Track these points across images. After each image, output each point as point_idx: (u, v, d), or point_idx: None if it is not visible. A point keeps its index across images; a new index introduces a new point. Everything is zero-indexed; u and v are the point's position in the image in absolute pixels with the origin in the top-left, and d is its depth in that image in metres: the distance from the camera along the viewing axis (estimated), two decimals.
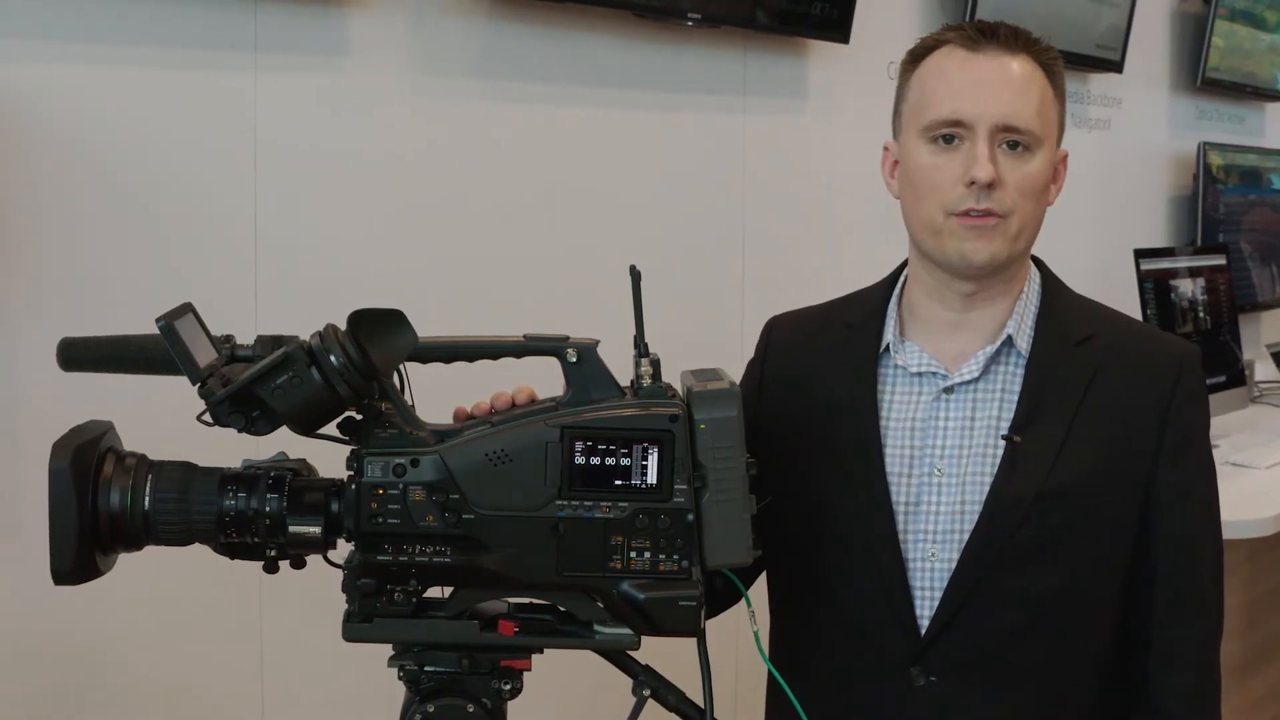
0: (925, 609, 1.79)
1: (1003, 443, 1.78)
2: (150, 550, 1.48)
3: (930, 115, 1.79)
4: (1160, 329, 1.95)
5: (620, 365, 1.52)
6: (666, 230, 3.33)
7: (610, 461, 1.46)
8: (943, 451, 1.81)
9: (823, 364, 1.90)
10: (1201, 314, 4.76)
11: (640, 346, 1.51)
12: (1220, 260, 4.90)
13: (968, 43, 1.80)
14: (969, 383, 1.82)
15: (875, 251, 3.72)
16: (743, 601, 1.63)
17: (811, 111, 3.75)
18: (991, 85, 1.77)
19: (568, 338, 1.50)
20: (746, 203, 3.56)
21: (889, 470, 1.82)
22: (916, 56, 1.85)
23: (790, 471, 1.85)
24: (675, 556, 1.47)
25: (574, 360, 1.49)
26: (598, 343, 1.51)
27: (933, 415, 1.82)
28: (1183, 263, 4.71)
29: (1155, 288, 4.45)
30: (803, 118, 3.73)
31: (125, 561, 1.49)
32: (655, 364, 1.50)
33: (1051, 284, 1.89)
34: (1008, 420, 1.79)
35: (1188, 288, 4.66)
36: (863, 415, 1.84)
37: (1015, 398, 1.80)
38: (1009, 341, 1.82)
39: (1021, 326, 1.83)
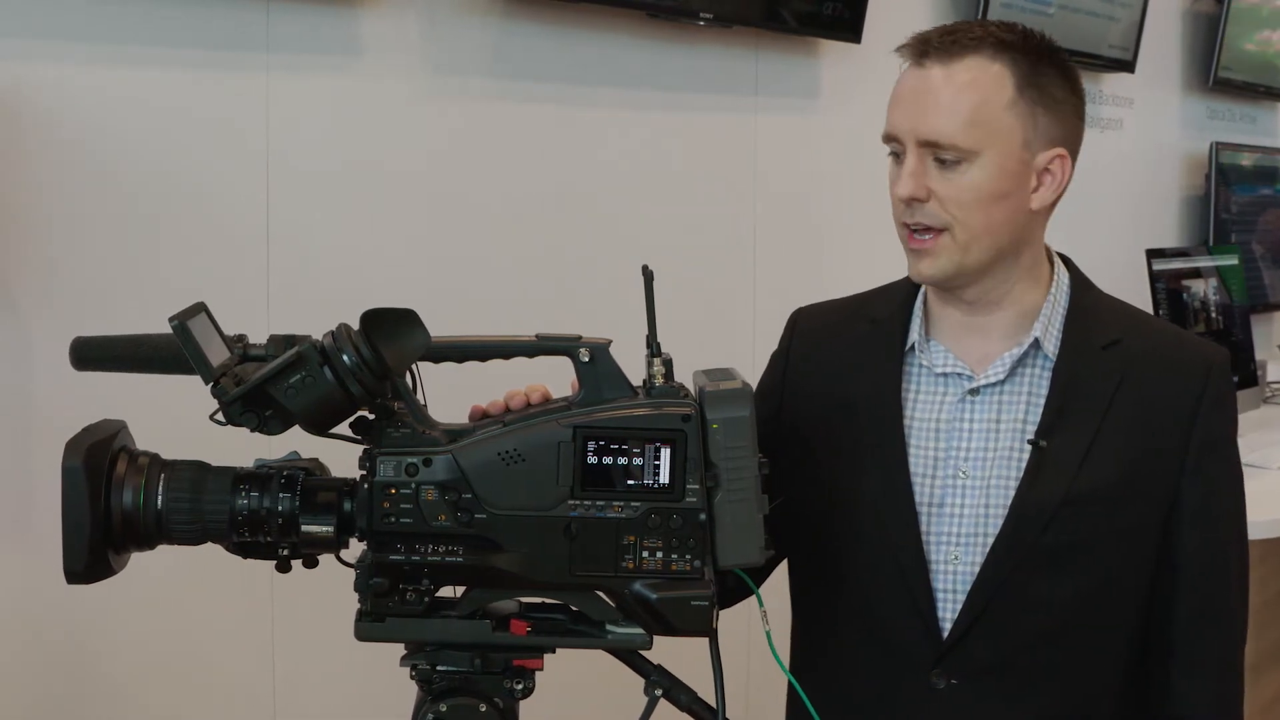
0: (948, 612, 1.78)
1: (1028, 447, 1.76)
2: (163, 549, 1.48)
3: (883, 130, 1.80)
4: (1189, 332, 1.93)
5: (632, 365, 1.52)
6: (679, 229, 3.33)
7: (622, 461, 1.46)
8: (967, 454, 1.80)
9: (847, 359, 1.88)
10: (1214, 314, 4.75)
11: (653, 346, 1.51)
12: (1233, 260, 4.88)
13: (913, 58, 1.78)
14: (994, 385, 1.81)
15: (885, 251, 3.72)
16: (755, 596, 1.62)
17: (823, 111, 3.75)
18: (915, 100, 1.75)
19: (580, 337, 1.50)
20: (758, 202, 3.56)
21: (913, 471, 1.80)
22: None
23: (813, 467, 1.84)
24: (687, 556, 1.47)
25: (587, 360, 1.49)
26: (610, 342, 1.50)
27: (957, 417, 1.81)
28: (1195, 263, 4.70)
29: (1167, 288, 4.44)
30: (814, 117, 3.73)
31: (138, 561, 1.50)
32: (667, 363, 1.50)
33: (1080, 285, 1.86)
34: (1033, 424, 1.78)
35: (1200, 288, 4.65)
36: (887, 414, 1.82)
37: (1042, 401, 1.78)
38: (1036, 344, 1.80)
39: (1049, 329, 1.81)
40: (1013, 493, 1.76)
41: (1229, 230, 5.32)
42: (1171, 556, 1.79)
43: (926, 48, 1.76)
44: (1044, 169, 1.77)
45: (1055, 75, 1.78)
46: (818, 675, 1.86)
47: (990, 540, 1.76)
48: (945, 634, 1.78)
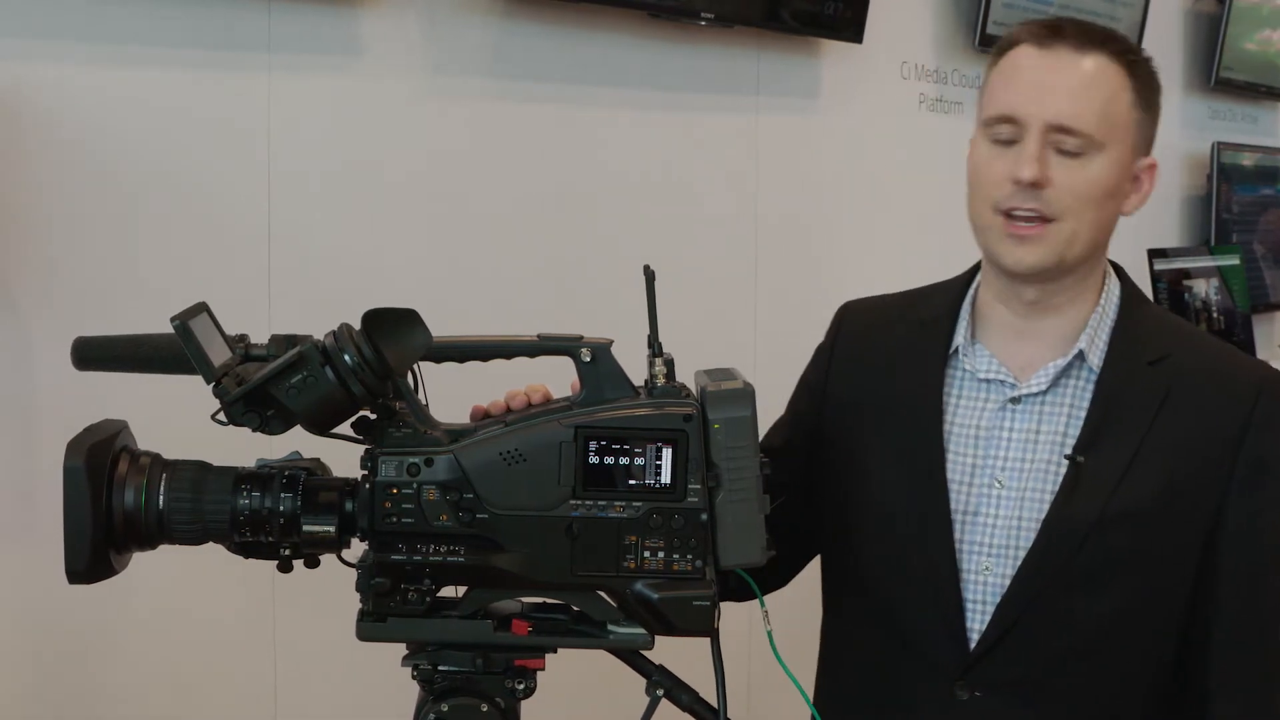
0: (976, 622, 1.75)
1: (1066, 461, 1.73)
2: (164, 549, 1.48)
3: (990, 111, 1.76)
4: (1242, 351, 1.89)
5: (634, 365, 1.52)
6: (680, 229, 3.32)
7: (624, 461, 1.46)
8: (1004, 463, 1.77)
9: (892, 359, 1.86)
10: (1215, 314, 4.75)
11: (654, 346, 1.51)
12: (1234, 260, 4.88)
13: (1037, 40, 1.75)
14: (1036, 395, 1.77)
15: (887, 250, 3.73)
16: (757, 591, 1.61)
17: (824, 111, 3.74)
18: (1049, 84, 1.72)
19: (581, 337, 1.50)
20: (760, 202, 3.55)
21: (949, 477, 1.78)
22: (998, 52, 1.81)
23: (851, 466, 1.83)
24: (689, 556, 1.47)
25: (588, 360, 1.49)
26: (611, 342, 1.50)
27: (997, 424, 1.78)
28: (1196, 263, 4.70)
29: (1169, 288, 4.44)
30: (816, 117, 3.73)
31: (139, 560, 1.50)
32: (669, 363, 1.50)
33: (1131, 297, 1.83)
34: (1073, 437, 1.74)
35: (1201, 288, 4.65)
36: (927, 418, 1.80)
37: (1083, 415, 1.75)
38: (1080, 356, 1.77)
39: (1095, 341, 1.78)
40: (1047, 507, 1.73)
41: (1230, 230, 5.31)
42: (1211, 579, 1.74)
43: (1059, 33, 1.75)
44: (1138, 175, 1.78)
45: (1156, 88, 1.79)
46: (843, 677, 1.86)
47: (1022, 554, 1.73)
48: (972, 645, 1.75)
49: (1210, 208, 5.28)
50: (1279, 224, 5.64)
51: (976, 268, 1.88)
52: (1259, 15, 5.59)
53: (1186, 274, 4.63)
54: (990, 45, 3.99)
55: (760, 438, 1.51)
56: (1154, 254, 4.46)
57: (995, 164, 1.74)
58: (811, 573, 2.00)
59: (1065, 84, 1.72)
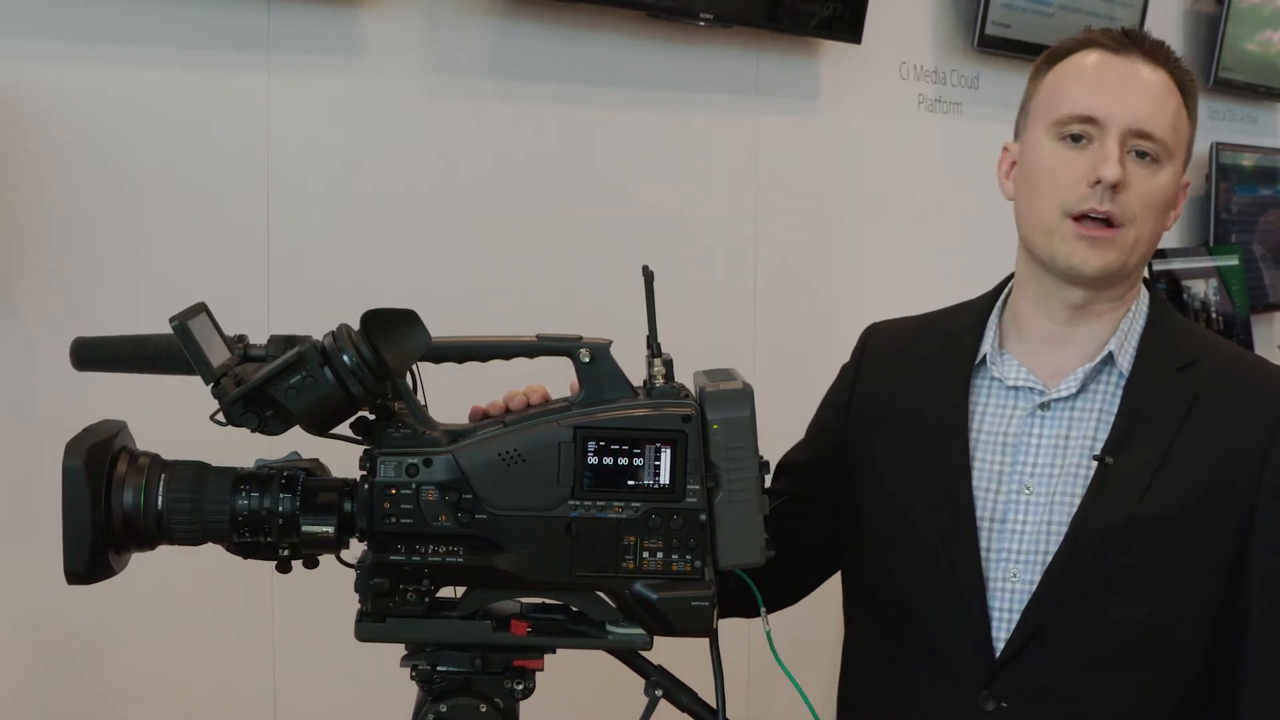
0: (1002, 631, 1.73)
1: (1095, 464, 1.72)
2: (163, 550, 1.48)
3: (1062, 110, 1.75)
4: (1270, 361, 1.91)
5: (633, 365, 1.52)
6: (679, 230, 3.32)
7: (623, 461, 1.46)
8: (1033, 469, 1.76)
9: (918, 372, 1.86)
10: (1214, 314, 4.75)
11: (653, 346, 1.51)
12: (1233, 260, 4.88)
13: (1110, 46, 1.77)
14: (1066, 399, 1.77)
15: (886, 249, 3.73)
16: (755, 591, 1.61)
17: (823, 111, 3.74)
18: (1129, 88, 1.74)
19: (581, 338, 1.50)
20: (759, 202, 3.55)
21: (976, 485, 1.77)
22: (1054, 57, 1.81)
23: (875, 477, 1.83)
24: (688, 557, 1.47)
25: (587, 360, 1.49)
26: (610, 343, 1.50)
27: (1026, 431, 1.77)
28: (1195, 263, 4.69)
29: (1168, 288, 4.43)
30: (815, 117, 3.73)
31: (138, 561, 1.50)
32: (668, 364, 1.50)
33: (1159, 306, 1.84)
34: (1103, 441, 1.74)
35: (1200, 288, 4.65)
36: (952, 427, 1.79)
37: (1112, 419, 1.74)
38: (1110, 359, 1.77)
39: (1124, 345, 1.78)
40: (1076, 510, 1.72)
41: (1229, 230, 5.31)
42: (1240, 590, 1.72)
43: (1137, 42, 1.77)
44: (1176, 193, 1.80)
45: (1197, 111, 1.82)
46: (867, 690, 1.85)
47: (1049, 559, 1.72)
48: (998, 654, 1.73)
49: (1209, 208, 5.27)
50: (1278, 224, 5.64)
51: (1003, 284, 1.88)
52: (1259, 16, 5.59)
53: (1185, 275, 4.63)
54: (989, 45, 4.02)
55: (761, 440, 1.51)
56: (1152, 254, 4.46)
57: (1068, 166, 1.73)
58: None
59: (1145, 90, 1.74)
